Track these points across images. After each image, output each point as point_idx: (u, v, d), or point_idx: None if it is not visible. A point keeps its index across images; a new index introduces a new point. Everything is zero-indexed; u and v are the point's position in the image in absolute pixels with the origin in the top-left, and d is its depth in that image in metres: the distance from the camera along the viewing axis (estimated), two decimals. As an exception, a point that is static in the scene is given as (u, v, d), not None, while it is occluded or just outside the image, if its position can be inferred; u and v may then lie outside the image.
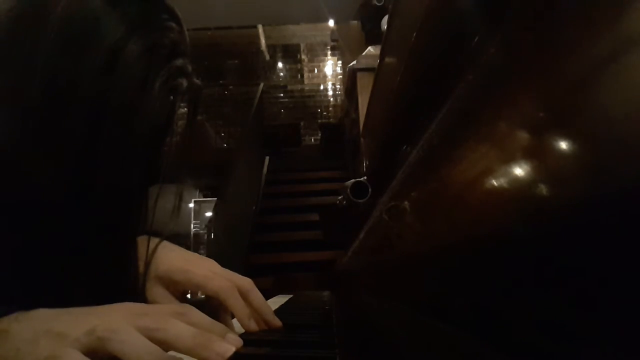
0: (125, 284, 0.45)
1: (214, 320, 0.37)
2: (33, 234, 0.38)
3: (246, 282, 0.54)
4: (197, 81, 0.49)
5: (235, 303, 0.51)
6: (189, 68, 0.48)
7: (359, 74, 3.56)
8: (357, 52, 4.13)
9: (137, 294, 0.46)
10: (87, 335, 0.29)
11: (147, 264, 0.47)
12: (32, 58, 0.38)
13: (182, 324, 0.33)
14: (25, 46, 0.39)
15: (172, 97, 0.46)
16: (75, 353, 0.29)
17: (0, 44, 0.39)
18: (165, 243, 0.51)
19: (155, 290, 0.49)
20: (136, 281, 0.46)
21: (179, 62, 0.46)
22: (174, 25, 0.46)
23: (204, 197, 7.34)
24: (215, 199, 4.06)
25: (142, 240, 0.47)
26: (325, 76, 9.02)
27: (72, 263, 0.40)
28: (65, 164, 0.39)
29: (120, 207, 0.43)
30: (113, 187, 0.42)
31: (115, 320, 0.31)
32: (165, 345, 0.31)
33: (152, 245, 0.48)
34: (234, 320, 0.55)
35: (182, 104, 0.49)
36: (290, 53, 9.09)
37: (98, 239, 0.41)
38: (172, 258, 0.50)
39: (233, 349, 0.33)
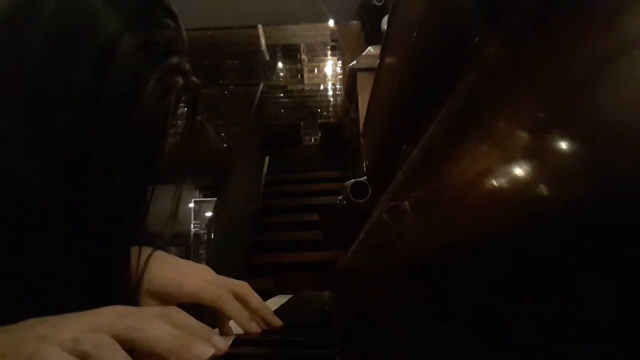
0: (119, 293, 0.44)
1: (200, 323, 0.36)
2: (23, 238, 0.38)
3: (242, 286, 0.54)
4: (195, 80, 0.49)
5: (232, 308, 0.51)
6: (186, 66, 0.47)
7: (359, 74, 3.56)
8: (357, 52, 4.13)
9: (130, 304, 0.46)
10: (71, 342, 0.29)
11: (140, 276, 0.47)
12: (22, 55, 0.38)
13: (164, 325, 0.32)
14: (16, 43, 0.38)
15: (168, 96, 0.45)
16: (58, 350, 0.28)
17: None
18: (158, 253, 0.50)
19: (149, 304, 0.48)
20: (129, 291, 0.46)
21: (175, 59, 0.45)
22: (170, 22, 0.45)
23: (204, 197, 7.33)
24: (215, 199, 4.06)
25: (133, 250, 0.46)
26: (325, 76, 9.02)
27: (63, 269, 0.39)
28: (56, 164, 0.39)
29: (114, 209, 0.42)
30: (106, 188, 0.41)
31: (101, 328, 0.30)
32: (144, 345, 0.31)
33: (143, 256, 0.47)
34: (231, 323, 0.55)
35: (181, 104, 0.48)
36: (290, 53, 9.08)
37: (91, 243, 0.41)
38: (165, 271, 0.50)
39: (212, 351, 0.32)
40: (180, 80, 0.46)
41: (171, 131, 0.47)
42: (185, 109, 0.50)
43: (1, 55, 0.38)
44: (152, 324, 0.32)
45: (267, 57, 8.94)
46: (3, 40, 0.38)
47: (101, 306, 0.34)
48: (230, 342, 0.37)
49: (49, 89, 0.38)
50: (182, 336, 0.32)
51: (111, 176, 0.41)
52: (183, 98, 0.48)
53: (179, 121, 0.49)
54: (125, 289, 0.45)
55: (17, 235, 0.37)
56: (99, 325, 0.31)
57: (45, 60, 0.38)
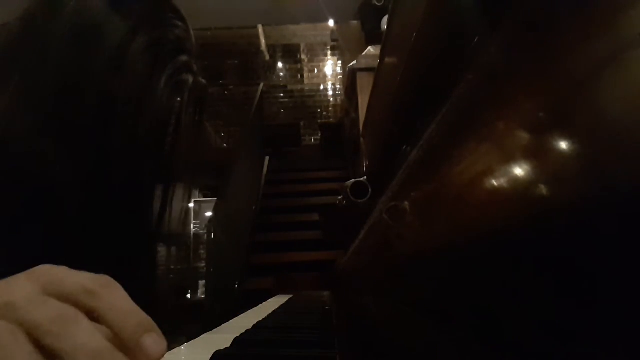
0: (138, 283, 0.45)
1: (138, 310, 0.27)
2: (47, 230, 0.38)
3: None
4: (203, 80, 0.50)
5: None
6: (195, 67, 0.49)
7: (359, 74, 3.56)
8: (357, 52, 4.13)
9: (149, 294, 0.46)
10: None
11: None
12: (45, 55, 0.40)
13: (88, 330, 0.24)
14: (38, 43, 0.40)
15: (179, 93, 0.47)
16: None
17: (14, 42, 0.40)
18: None
19: None
20: (149, 280, 0.46)
21: (184, 58, 0.47)
22: (179, 23, 0.47)
23: (204, 197, 7.34)
24: (215, 199, 4.07)
25: None
26: (325, 76, 9.01)
27: (84, 261, 0.40)
28: (76, 159, 0.40)
29: (132, 204, 0.43)
30: (124, 183, 0.42)
31: (14, 302, 0.24)
32: (55, 356, 0.23)
33: None
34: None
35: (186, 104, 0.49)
36: (290, 53, 9.08)
37: (111, 236, 0.42)
38: None
39: None
40: (190, 78, 0.48)
41: (181, 129, 0.48)
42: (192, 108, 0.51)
43: (27, 51, 0.40)
44: (73, 328, 0.24)
45: (267, 57, 8.94)
46: (29, 37, 0.40)
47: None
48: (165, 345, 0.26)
49: (71, 86, 0.40)
50: (104, 354, 0.24)
51: (128, 170, 0.42)
52: (191, 96, 0.49)
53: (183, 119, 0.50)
54: (146, 276, 0.46)
55: (43, 226, 0.38)
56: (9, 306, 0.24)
57: (67, 57, 0.40)
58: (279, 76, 9.18)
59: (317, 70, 9.08)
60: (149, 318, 0.27)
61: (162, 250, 0.56)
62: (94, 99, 0.40)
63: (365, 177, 0.85)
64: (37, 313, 0.24)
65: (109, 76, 0.41)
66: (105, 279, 0.27)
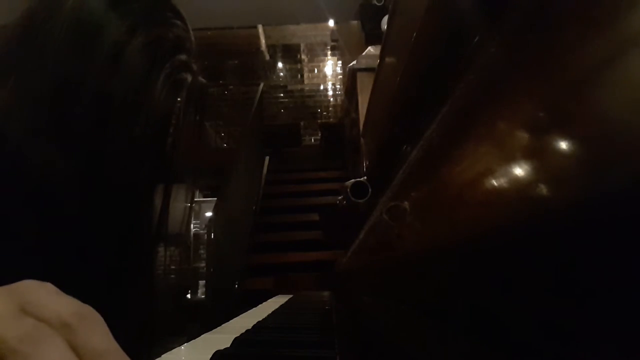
0: (136, 289, 0.44)
1: (114, 350, 0.24)
2: (43, 229, 0.38)
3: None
4: (202, 79, 0.50)
5: None
6: (194, 67, 0.49)
7: (359, 74, 3.56)
8: (357, 52, 4.14)
9: (146, 300, 0.46)
10: None
11: None
12: (44, 54, 0.40)
13: (63, 351, 0.22)
14: (37, 42, 0.40)
15: (177, 91, 0.47)
16: None
17: (13, 41, 0.41)
18: None
19: None
20: (148, 281, 0.46)
21: (183, 57, 0.47)
22: (178, 22, 0.47)
23: (204, 197, 7.34)
24: (215, 199, 4.07)
25: None
26: (325, 76, 9.02)
27: (82, 264, 0.40)
28: (73, 157, 0.40)
29: (130, 204, 0.43)
30: (121, 183, 0.42)
31: None
32: None
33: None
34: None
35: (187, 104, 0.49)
36: (290, 53, 9.08)
37: (109, 236, 0.42)
38: None
39: None
40: (188, 77, 0.48)
41: (182, 128, 0.48)
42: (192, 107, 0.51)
43: (26, 51, 0.40)
44: (51, 348, 0.22)
45: (267, 57, 8.94)
46: (28, 34, 0.40)
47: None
48: None
49: (68, 84, 0.40)
50: None
51: (125, 169, 0.42)
52: (190, 96, 0.49)
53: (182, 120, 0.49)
54: (145, 281, 0.45)
55: (41, 226, 0.38)
56: None
57: (65, 53, 0.40)
58: (279, 76, 9.18)
59: (317, 70, 9.09)
60: (123, 359, 0.24)
61: (162, 250, 0.56)
62: (91, 98, 0.40)
63: (365, 177, 0.85)
64: (6, 329, 0.21)
65: (106, 74, 0.41)
66: (86, 311, 0.24)
